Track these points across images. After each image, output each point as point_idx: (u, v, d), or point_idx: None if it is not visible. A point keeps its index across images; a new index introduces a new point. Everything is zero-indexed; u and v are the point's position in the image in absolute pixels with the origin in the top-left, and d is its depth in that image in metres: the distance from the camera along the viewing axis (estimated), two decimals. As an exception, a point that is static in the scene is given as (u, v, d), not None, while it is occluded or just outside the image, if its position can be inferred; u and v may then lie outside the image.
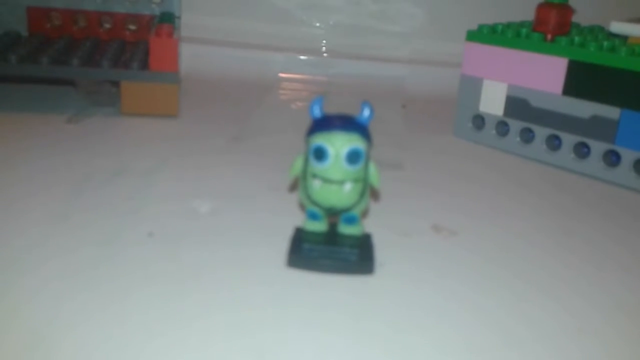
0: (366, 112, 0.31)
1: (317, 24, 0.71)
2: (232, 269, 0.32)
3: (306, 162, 0.31)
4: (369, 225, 0.35)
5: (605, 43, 0.47)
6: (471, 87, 0.53)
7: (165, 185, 0.41)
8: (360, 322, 0.28)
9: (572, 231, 0.39)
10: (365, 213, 0.37)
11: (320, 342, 0.27)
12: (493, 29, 0.52)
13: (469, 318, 0.29)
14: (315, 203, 0.31)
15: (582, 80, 0.48)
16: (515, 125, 0.51)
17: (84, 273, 0.30)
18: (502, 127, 0.52)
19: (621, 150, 0.46)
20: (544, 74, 0.49)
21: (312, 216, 0.33)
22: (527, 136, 0.51)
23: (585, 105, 0.48)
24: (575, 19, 0.53)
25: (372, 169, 0.32)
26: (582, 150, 0.48)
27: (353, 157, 0.30)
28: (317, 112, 0.31)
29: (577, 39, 0.48)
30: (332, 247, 0.32)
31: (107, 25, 0.61)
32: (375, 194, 0.41)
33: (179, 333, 0.27)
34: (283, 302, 0.29)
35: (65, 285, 0.29)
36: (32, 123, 0.50)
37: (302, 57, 0.70)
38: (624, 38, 0.49)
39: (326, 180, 0.30)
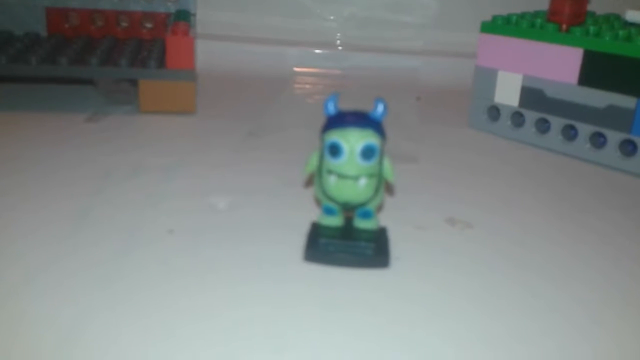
0: (380, 108, 0.32)
1: (331, 17, 0.72)
2: (250, 264, 0.32)
3: (321, 158, 0.32)
4: (384, 219, 0.35)
5: (621, 32, 0.47)
6: (486, 78, 0.53)
7: (183, 181, 0.42)
8: (376, 315, 0.29)
9: (588, 224, 0.39)
10: (380, 207, 0.37)
11: (337, 336, 0.27)
12: (507, 19, 0.52)
13: (483, 312, 0.30)
14: (330, 198, 0.32)
15: (597, 70, 0.47)
16: (531, 116, 0.51)
17: (104, 269, 0.31)
18: (517, 118, 0.52)
19: (637, 139, 0.46)
20: (559, 64, 0.49)
21: (328, 211, 0.33)
22: (542, 127, 0.51)
23: (601, 95, 0.47)
24: (590, 7, 0.53)
25: (387, 164, 0.32)
26: (598, 140, 0.48)
27: (367, 152, 0.31)
28: (331, 109, 0.32)
29: (592, 28, 0.48)
30: (348, 241, 0.33)
31: (124, 24, 0.61)
32: (390, 188, 0.41)
33: (198, 328, 0.27)
34: (300, 296, 0.30)
35: (85, 281, 0.30)
36: (53, 122, 0.51)
37: (316, 51, 0.70)
38: (639, 27, 0.49)
39: (341, 176, 0.31)
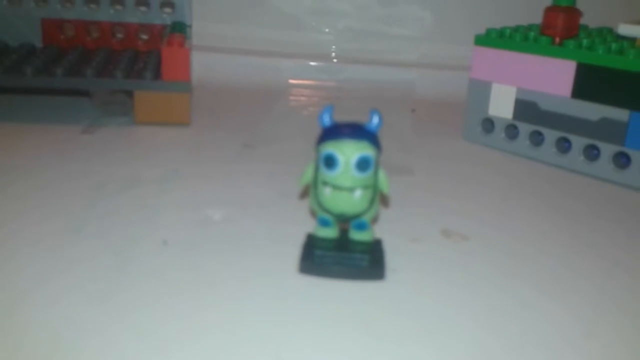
0: (375, 120, 0.32)
1: (326, 30, 0.72)
2: (245, 276, 0.32)
3: (317, 169, 0.32)
4: (380, 231, 0.35)
5: (614, 45, 0.47)
6: (480, 91, 0.54)
7: (178, 193, 0.42)
8: (371, 327, 0.29)
9: (582, 236, 0.39)
10: (375, 219, 0.37)
11: (332, 348, 0.27)
12: (501, 32, 0.53)
13: (478, 325, 0.30)
14: (326, 210, 0.32)
15: (590, 83, 0.48)
16: (525, 129, 0.52)
17: (98, 282, 0.31)
18: (511, 131, 0.53)
19: (631, 152, 0.46)
20: (553, 77, 0.49)
21: (323, 223, 0.33)
22: (536, 139, 0.51)
23: (594, 107, 0.48)
24: (583, 21, 0.53)
25: (382, 175, 0.32)
26: (591, 153, 0.48)
27: (363, 164, 0.31)
28: (326, 121, 0.32)
29: (585, 41, 0.48)
30: (343, 253, 0.33)
31: (120, 36, 0.62)
32: (385, 200, 0.41)
33: (193, 341, 0.27)
34: (295, 308, 0.30)
35: (80, 294, 0.30)
36: (48, 134, 0.51)
37: (311, 63, 0.70)
38: (632, 40, 0.50)
39: (336, 188, 0.31)
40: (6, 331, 0.27)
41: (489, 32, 0.53)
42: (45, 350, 0.26)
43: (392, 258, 0.34)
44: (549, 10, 0.50)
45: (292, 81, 0.69)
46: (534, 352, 0.28)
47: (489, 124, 0.54)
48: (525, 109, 0.51)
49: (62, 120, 0.54)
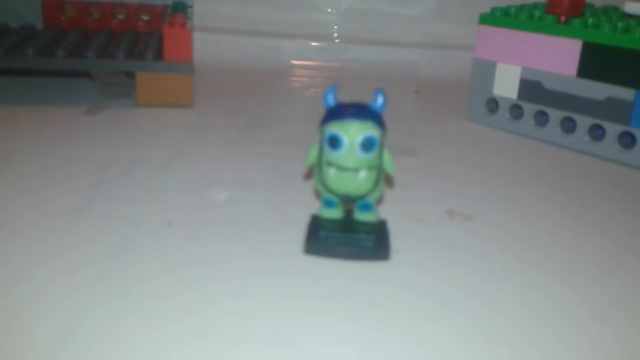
0: (380, 100, 0.32)
1: (329, 10, 0.71)
2: (250, 257, 0.32)
3: (321, 150, 0.32)
4: (384, 212, 0.35)
5: (620, 24, 0.47)
6: (484, 70, 0.53)
7: (182, 174, 0.42)
8: (376, 308, 0.29)
9: (587, 216, 0.39)
10: (380, 200, 0.37)
11: (338, 328, 0.27)
12: (506, 11, 0.52)
13: (483, 304, 0.30)
14: (330, 191, 0.32)
15: (596, 62, 0.47)
16: (529, 108, 0.51)
17: (103, 263, 0.31)
18: (516, 111, 0.52)
19: (636, 131, 0.46)
20: (558, 56, 0.49)
21: (328, 204, 0.33)
22: (541, 119, 0.51)
23: (599, 87, 0.47)
24: (589, -1, 0.53)
25: (387, 156, 0.32)
26: (597, 133, 0.48)
27: (367, 144, 0.30)
28: (331, 101, 0.32)
29: (591, 20, 0.48)
30: (348, 233, 0.33)
31: (121, 17, 0.61)
32: (389, 181, 0.41)
33: (197, 321, 0.27)
34: (301, 289, 0.30)
35: (85, 275, 0.30)
36: (50, 115, 0.50)
37: (314, 44, 0.70)
38: (638, 18, 0.49)
39: (341, 168, 0.31)
40: (9, 310, 0.27)
41: (493, 11, 0.52)
42: (49, 325, 0.26)
43: (396, 238, 0.34)
44: (554, -11, 0.50)
45: (294, 62, 0.69)
46: (538, 330, 0.28)
47: (493, 104, 0.53)
48: (530, 88, 0.51)
49: (64, 102, 0.54)
